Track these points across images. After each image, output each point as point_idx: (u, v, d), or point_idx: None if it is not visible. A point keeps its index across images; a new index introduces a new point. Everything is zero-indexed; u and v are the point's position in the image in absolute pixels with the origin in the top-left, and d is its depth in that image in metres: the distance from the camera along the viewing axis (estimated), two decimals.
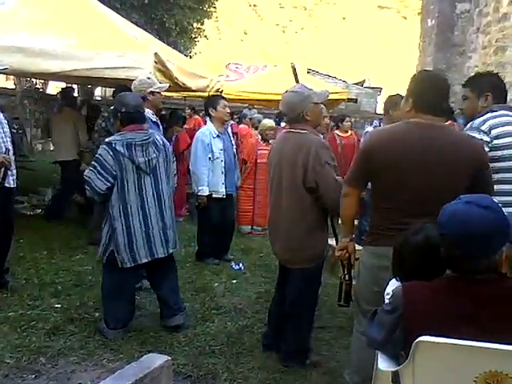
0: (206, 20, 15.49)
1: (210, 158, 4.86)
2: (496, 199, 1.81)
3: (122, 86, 4.36)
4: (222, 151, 4.92)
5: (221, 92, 6.57)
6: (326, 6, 25.90)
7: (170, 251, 3.43)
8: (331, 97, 7.33)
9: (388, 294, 1.90)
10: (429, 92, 2.33)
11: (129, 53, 4.57)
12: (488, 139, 2.66)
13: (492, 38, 10.27)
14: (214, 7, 15.30)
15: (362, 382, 2.52)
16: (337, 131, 7.21)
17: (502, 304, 1.56)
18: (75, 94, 9.62)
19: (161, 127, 4.14)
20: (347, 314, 3.62)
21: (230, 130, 5.44)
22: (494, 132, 2.68)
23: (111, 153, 3.17)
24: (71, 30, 4.79)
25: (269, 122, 6.42)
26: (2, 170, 3.67)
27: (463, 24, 11.55)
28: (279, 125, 7.25)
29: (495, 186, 2.68)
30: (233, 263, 5.03)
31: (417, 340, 1.53)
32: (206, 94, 6.44)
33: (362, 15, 26.08)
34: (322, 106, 4.34)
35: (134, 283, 3.51)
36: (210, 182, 4.88)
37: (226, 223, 5.17)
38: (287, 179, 2.96)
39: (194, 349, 3.25)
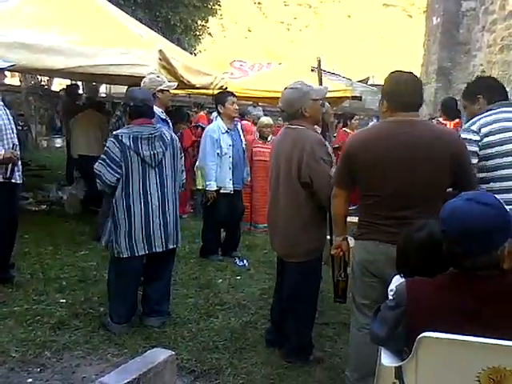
0: (210, 17, 15.50)
1: (218, 154, 4.88)
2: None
3: (134, 84, 4.39)
4: (230, 147, 4.93)
5: (225, 89, 6.59)
6: (331, 4, 25.81)
7: (170, 247, 3.43)
8: (335, 94, 7.36)
9: (391, 291, 1.90)
10: (400, 91, 2.40)
11: (133, 50, 4.58)
12: (478, 138, 2.71)
13: (497, 36, 10.22)
14: (219, 5, 15.30)
15: (361, 378, 2.56)
16: (345, 129, 7.21)
17: (504, 300, 1.57)
18: (80, 91, 9.68)
19: (170, 124, 4.17)
20: (351, 311, 3.62)
21: (239, 126, 5.44)
22: (483, 130, 2.72)
23: (118, 145, 3.21)
24: (76, 27, 4.81)
25: (266, 119, 6.42)
26: (10, 165, 3.70)
27: (468, 22, 11.50)
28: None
29: (493, 184, 2.70)
30: (237, 260, 5.05)
31: (420, 336, 1.53)
32: (210, 92, 6.45)
33: (367, 13, 25.99)
34: (327, 104, 4.37)
35: (138, 278, 3.52)
36: (218, 177, 4.90)
37: (234, 219, 5.17)
38: (284, 175, 3.00)
39: (198, 344, 3.26)
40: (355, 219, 2.64)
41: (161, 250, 3.37)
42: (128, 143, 3.21)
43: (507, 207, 1.59)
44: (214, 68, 6.70)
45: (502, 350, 1.48)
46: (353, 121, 7.22)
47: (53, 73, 7.64)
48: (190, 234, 5.69)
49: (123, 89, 5.91)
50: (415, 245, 1.91)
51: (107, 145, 3.27)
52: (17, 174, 3.82)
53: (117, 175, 3.22)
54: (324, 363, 3.13)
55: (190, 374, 2.92)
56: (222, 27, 19.82)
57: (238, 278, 4.61)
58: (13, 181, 3.79)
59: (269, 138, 6.24)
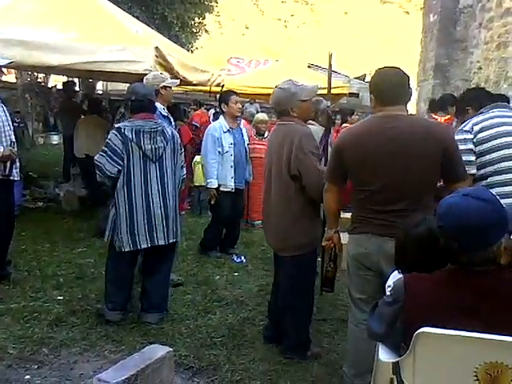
0: (207, 14, 15.47)
1: (219, 152, 4.89)
2: (494, 191, 1.82)
3: (130, 81, 4.39)
4: (232, 145, 4.95)
5: (222, 86, 6.58)
6: (328, 1, 25.78)
7: (171, 240, 3.44)
8: (333, 91, 7.36)
9: (389, 286, 1.91)
10: (383, 85, 2.43)
11: (130, 46, 4.56)
12: (471, 136, 2.77)
13: (494, 33, 10.23)
14: (216, 1, 15.28)
15: (359, 374, 2.57)
16: (346, 124, 7.22)
17: (501, 296, 1.57)
18: (76, 88, 9.65)
19: (172, 121, 4.17)
20: (348, 307, 3.63)
21: (242, 125, 5.44)
22: (476, 128, 2.79)
23: (120, 137, 3.23)
24: (72, 24, 4.79)
25: (261, 115, 6.44)
26: (8, 162, 3.70)
27: (466, 19, 11.50)
28: None
29: (491, 178, 2.73)
30: (234, 256, 5.05)
31: (417, 331, 1.54)
32: (207, 88, 6.44)
33: (364, 10, 25.97)
34: (324, 101, 4.35)
35: (132, 269, 3.53)
36: (219, 175, 4.92)
37: (235, 217, 5.18)
38: (275, 169, 3.03)
39: (196, 340, 3.27)
40: (349, 215, 2.66)
41: (163, 243, 3.39)
42: (130, 136, 3.23)
43: (505, 200, 1.60)
44: (211, 65, 6.69)
45: (499, 345, 1.49)
46: (353, 116, 7.22)
47: (49, 69, 7.60)
48: (188, 230, 5.69)
49: (120, 86, 5.92)
50: (413, 240, 1.92)
51: (109, 137, 3.29)
52: (14, 171, 3.82)
53: (118, 166, 3.24)
54: (321, 359, 3.13)
55: (187, 371, 2.93)
56: (219, 24, 19.79)
57: (236, 274, 4.62)
58: (11, 178, 3.79)
59: (265, 135, 6.24)
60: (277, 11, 25.41)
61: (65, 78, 9.30)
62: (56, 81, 13.64)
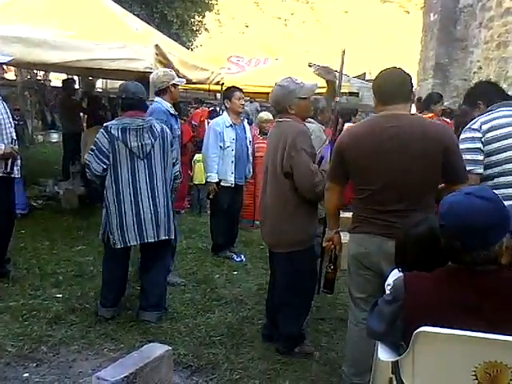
0: (207, 13, 15.46)
1: (220, 147, 4.90)
2: (499, 192, 1.81)
3: (139, 79, 4.39)
4: (233, 141, 4.95)
5: (222, 85, 6.58)
6: (328, 0, 25.77)
7: (162, 238, 3.44)
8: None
9: (389, 285, 1.90)
10: (383, 84, 2.44)
11: (130, 44, 4.56)
12: (480, 135, 2.72)
13: (495, 32, 10.23)
14: (216, 0, 15.26)
15: (358, 373, 2.57)
16: (349, 124, 7.21)
17: (503, 295, 1.57)
18: (76, 86, 9.63)
19: (178, 120, 4.19)
20: (347, 306, 3.63)
21: (246, 122, 5.44)
22: (484, 127, 2.73)
23: (106, 136, 3.27)
24: (72, 21, 4.79)
25: (265, 115, 6.40)
26: (10, 160, 3.70)
27: (466, 18, 11.50)
28: None
29: (497, 179, 2.71)
30: (234, 255, 5.04)
31: (417, 331, 1.53)
32: (206, 87, 6.44)
33: (365, 9, 25.96)
34: (324, 100, 4.34)
35: (124, 266, 3.54)
36: (220, 170, 4.92)
37: (233, 214, 5.18)
38: (271, 166, 3.04)
39: (195, 339, 3.26)
40: (349, 215, 2.65)
41: (153, 240, 3.39)
42: (116, 134, 3.27)
43: (509, 202, 1.59)
44: (211, 63, 6.69)
45: (498, 344, 1.49)
46: (357, 116, 7.21)
47: (49, 67, 7.60)
48: (187, 229, 5.69)
49: (119, 84, 5.90)
50: (414, 239, 1.91)
51: (97, 136, 3.33)
52: (15, 168, 3.82)
53: (103, 165, 3.28)
54: (320, 359, 3.13)
55: (186, 369, 2.92)
56: (218, 22, 19.79)
57: (235, 273, 4.61)
58: (11, 176, 3.78)
59: (268, 134, 6.22)
60: (277, 10, 25.41)
61: (64, 76, 9.26)
62: (57, 78, 13.61)
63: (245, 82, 7.51)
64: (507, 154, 2.70)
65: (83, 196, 6.61)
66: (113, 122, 3.39)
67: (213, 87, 7.23)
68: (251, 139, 5.31)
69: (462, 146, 2.65)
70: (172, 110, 4.05)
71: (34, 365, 2.86)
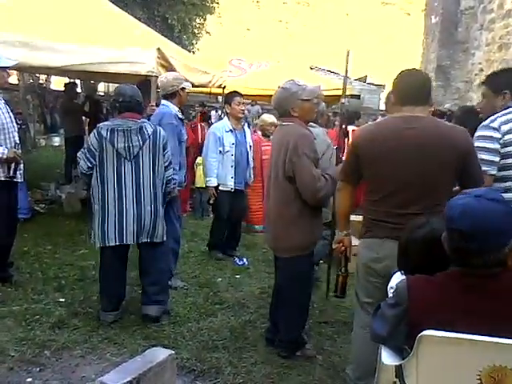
0: (208, 16, 15.50)
1: (220, 152, 4.91)
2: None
3: (143, 82, 4.43)
4: (233, 146, 4.95)
5: (223, 88, 6.58)
6: (330, 3, 25.81)
7: (144, 240, 3.44)
8: (334, 93, 7.36)
9: (392, 288, 1.90)
10: (407, 85, 2.40)
11: (131, 48, 4.57)
12: (499, 135, 2.65)
13: (496, 34, 10.23)
14: (217, 3, 15.30)
15: (363, 377, 2.55)
16: (352, 127, 7.21)
17: (509, 298, 1.56)
18: (78, 90, 9.66)
19: (184, 124, 4.21)
20: (350, 310, 3.62)
21: (246, 126, 5.44)
22: (503, 128, 2.66)
23: (96, 135, 3.35)
24: (74, 25, 4.80)
25: (269, 118, 6.38)
26: (13, 164, 3.71)
27: (467, 21, 11.51)
28: None
29: (510, 183, 2.67)
30: (236, 258, 5.04)
31: (420, 334, 1.53)
32: (208, 90, 6.45)
33: (366, 11, 25.99)
34: (323, 103, 4.33)
35: (117, 269, 3.53)
36: (219, 174, 4.92)
37: (235, 218, 5.18)
38: (274, 170, 3.03)
39: (198, 343, 3.26)
40: (359, 218, 2.61)
41: (132, 242, 3.42)
42: (105, 134, 3.33)
43: None
44: (213, 66, 6.69)
45: (503, 348, 1.48)
46: (360, 120, 7.19)
47: (51, 71, 7.62)
48: (190, 232, 5.68)
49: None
50: (417, 242, 1.91)
51: (90, 135, 3.42)
52: (18, 172, 3.83)
53: (89, 163, 3.35)
54: (324, 362, 3.12)
55: (189, 374, 2.92)
56: (220, 25, 19.83)
57: (238, 276, 4.61)
58: (14, 180, 3.79)
59: (271, 137, 6.22)
60: (278, 12, 25.47)
61: (66, 79, 9.29)
62: (60, 82, 13.66)
63: (246, 85, 7.51)
64: None
65: (85, 200, 6.61)
66: (105, 122, 3.45)
67: (214, 90, 7.24)
68: (252, 144, 5.31)
69: (479, 144, 2.60)
70: (180, 114, 4.07)
71: (37, 369, 2.86)
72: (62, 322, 3.39)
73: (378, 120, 3.19)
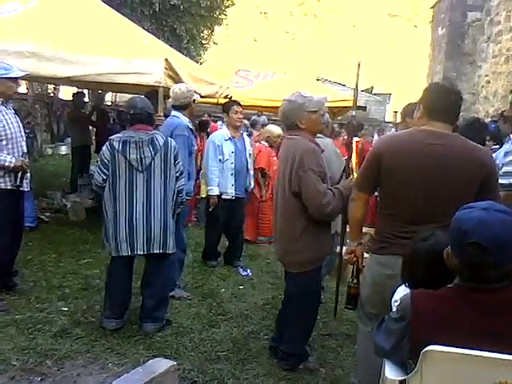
0: (216, 27, 15.62)
1: (220, 160, 4.94)
2: None
3: (150, 92, 4.47)
4: (232, 154, 4.99)
5: (230, 98, 6.60)
6: (337, 14, 25.97)
7: (154, 251, 3.44)
8: (341, 104, 7.37)
9: (396, 302, 1.88)
10: (439, 100, 2.33)
11: (139, 58, 4.61)
12: None
13: (503, 47, 10.23)
14: (225, 14, 15.42)
15: None
16: (357, 139, 7.23)
17: None
18: (86, 99, 9.74)
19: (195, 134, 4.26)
20: (354, 322, 3.59)
21: (245, 135, 5.47)
22: None
23: (109, 148, 3.37)
24: (83, 36, 4.84)
25: (276, 130, 6.36)
26: (20, 173, 3.74)
27: (474, 33, 11.54)
28: None
29: None
30: (240, 269, 5.03)
31: (425, 349, 1.51)
32: (215, 101, 6.47)
33: (373, 23, 26.11)
34: (327, 115, 4.32)
35: (124, 278, 3.53)
36: (220, 182, 4.95)
37: (233, 226, 5.19)
38: (281, 185, 3.01)
39: (200, 354, 3.24)
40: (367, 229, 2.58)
41: (142, 252, 3.43)
42: (117, 147, 3.36)
43: None
44: (219, 77, 6.72)
45: (508, 364, 1.46)
46: (362, 131, 7.21)
47: (60, 81, 7.68)
48: (194, 242, 5.67)
49: (129, 97, 5.95)
50: (421, 254, 1.89)
51: (103, 148, 3.44)
52: (25, 181, 3.85)
53: (103, 175, 3.38)
54: (327, 375, 3.09)
55: None
56: (227, 36, 19.99)
57: (241, 287, 4.59)
58: (21, 189, 3.81)
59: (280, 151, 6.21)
60: (285, 24, 25.64)
61: (75, 89, 9.37)
62: (70, 92, 13.79)
63: (253, 96, 7.54)
64: None
65: (91, 209, 6.63)
66: (118, 134, 3.47)
67: (221, 101, 7.26)
68: (251, 152, 5.34)
69: (510, 158, 2.59)
70: (191, 125, 4.12)
71: (39, 379, 2.84)
72: (64, 331, 3.39)
73: (394, 132, 3.14)
